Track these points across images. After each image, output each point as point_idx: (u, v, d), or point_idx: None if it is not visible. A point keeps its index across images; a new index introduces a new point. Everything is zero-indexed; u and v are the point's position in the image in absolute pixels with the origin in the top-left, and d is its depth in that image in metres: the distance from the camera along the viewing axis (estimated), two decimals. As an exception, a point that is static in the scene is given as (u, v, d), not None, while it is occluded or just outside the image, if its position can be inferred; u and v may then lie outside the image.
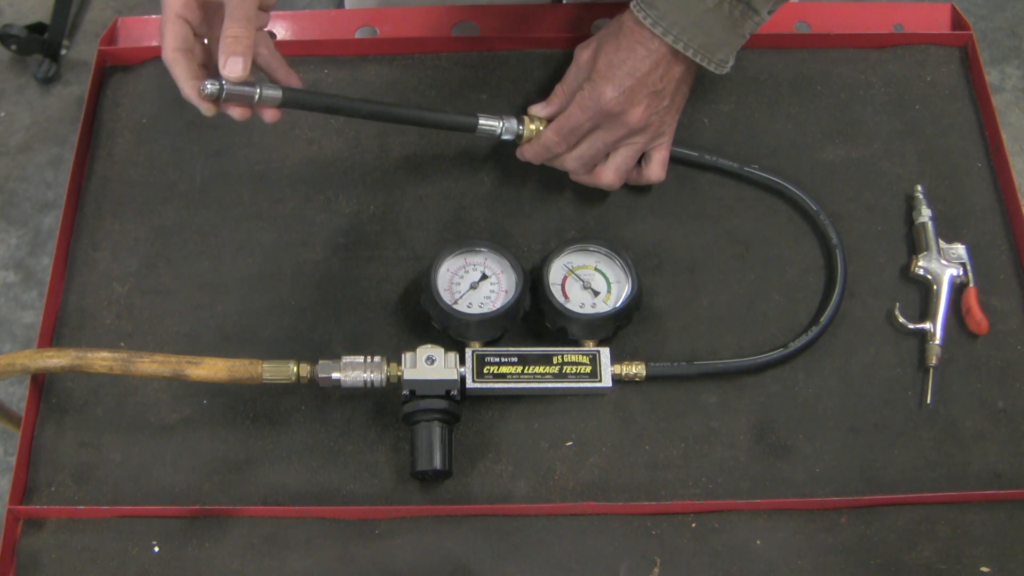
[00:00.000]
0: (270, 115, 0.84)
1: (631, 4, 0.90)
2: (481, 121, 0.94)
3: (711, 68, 0.91)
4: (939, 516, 0.87)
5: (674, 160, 1.00)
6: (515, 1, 1.14)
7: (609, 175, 0.95)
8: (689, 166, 1.02)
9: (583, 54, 0.94)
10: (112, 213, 1.00)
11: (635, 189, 1.01)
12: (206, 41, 0.86)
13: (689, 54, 0.89)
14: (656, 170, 0.97)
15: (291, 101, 0.85)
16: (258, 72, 0.87)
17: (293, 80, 0.89)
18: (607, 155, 0.96)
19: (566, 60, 0.97)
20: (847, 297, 0.96)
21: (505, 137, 0.95)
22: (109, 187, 1.02)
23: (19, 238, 2.14)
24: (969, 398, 0.93)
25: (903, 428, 0.91)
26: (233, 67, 0.79)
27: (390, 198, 1.01)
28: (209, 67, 0.84)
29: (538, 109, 0.96)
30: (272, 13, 0.92)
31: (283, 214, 1.00)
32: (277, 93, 0.83)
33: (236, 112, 0.83)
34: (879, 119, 1.06)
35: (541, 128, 0.95)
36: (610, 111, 0.90)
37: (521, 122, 0.95)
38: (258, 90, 0.82)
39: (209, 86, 0.80)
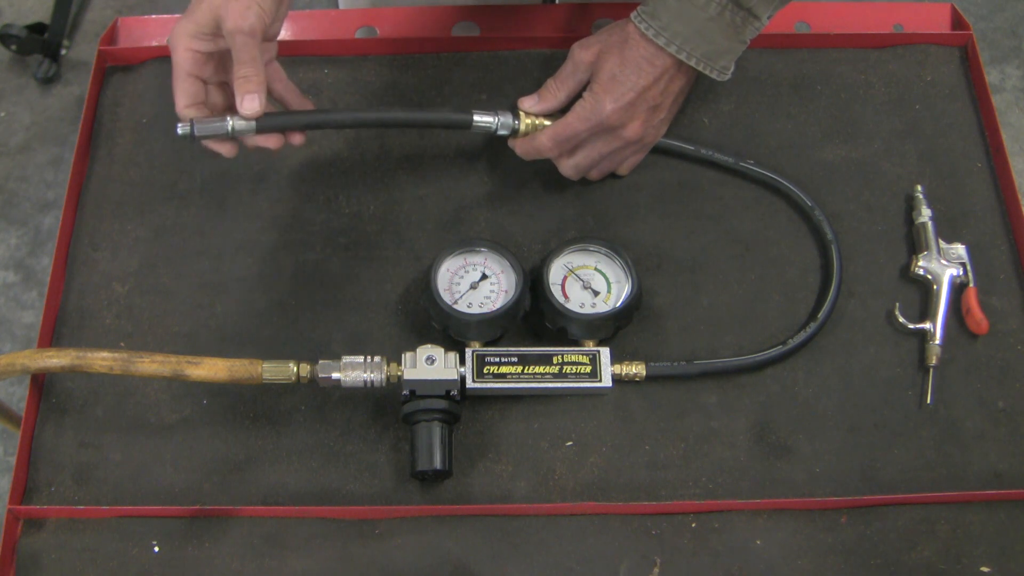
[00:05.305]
0: (274, 141, 0.88)
1: (633, 16, 0.90)
2: (476, 118, 0.94)
3: (713, 75, 0.92)
4: (939, 516, 0.87)
5: (670, 153, 1.01)
6: (515, 1, 1.14)
7: (593, 176, 0.99)
8: (684, 159, 1.02)
9: (583, 54, 0.93)
10: (112, 213, 1.00)
11: (635, 189, 1.01)
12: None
13: (692, 63, 0.90)
14: (624, 169, 1.00)
15: (267, 126, 0.86)
16: (275, 104, 0.91)
17: (307, 107, 0.92)
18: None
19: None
20: (848, 297, 0.96)
21: (501, 132, 0.95)
22: (109, 187, 1.02)
23: (19, 238, 2.14)
24: (969, 398, 0.93)
25: (903, 428, 0.91)
26: (250, 104, 0.84)
27: (390, 198, 1.01)
28: (232, 110, 0.86)
29: (530, 104, 0.95)
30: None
31: (283, 214, 1.00)
32: (251, 121, 0.85)
33: (223, 148, 0.87)
34: (879, 119, 1.06)
35: (536, 123, 0.95)
36: (609, 124, 0.91)
37: (517, 117, 0.95)
38: (229, 121, 0.85)
39: (180, 128, 0.84)
